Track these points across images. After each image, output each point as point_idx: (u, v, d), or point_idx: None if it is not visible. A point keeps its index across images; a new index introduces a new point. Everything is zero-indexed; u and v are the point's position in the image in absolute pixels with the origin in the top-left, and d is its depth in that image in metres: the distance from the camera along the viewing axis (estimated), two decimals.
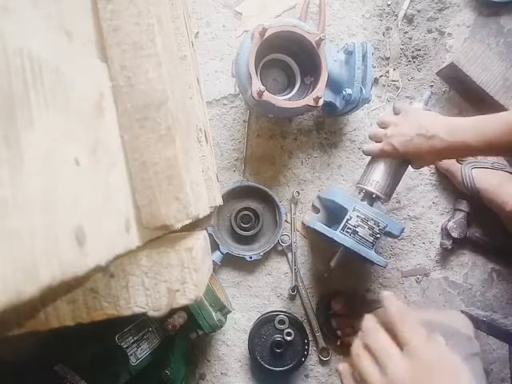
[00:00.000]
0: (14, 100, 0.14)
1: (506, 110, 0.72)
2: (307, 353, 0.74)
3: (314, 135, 0.80)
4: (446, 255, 0.80)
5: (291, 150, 0.79)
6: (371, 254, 0.64)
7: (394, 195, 0.69)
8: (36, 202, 0.14)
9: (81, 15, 0.23)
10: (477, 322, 0.75)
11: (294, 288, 0.78)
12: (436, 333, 0.36)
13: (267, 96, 0.61)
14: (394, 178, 0.65)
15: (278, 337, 0.73)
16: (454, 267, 0.81)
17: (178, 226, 0.31)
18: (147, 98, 0.24)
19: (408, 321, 0.37)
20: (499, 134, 0.51)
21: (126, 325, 0.57)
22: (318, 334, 0.78)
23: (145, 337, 0.59)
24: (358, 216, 0.63)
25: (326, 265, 0.71)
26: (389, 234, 0.67)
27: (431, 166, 0.78)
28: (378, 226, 0.64)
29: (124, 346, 0.55)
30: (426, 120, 0.58)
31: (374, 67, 0.78)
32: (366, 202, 0.66)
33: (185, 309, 0.62)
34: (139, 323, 0.59)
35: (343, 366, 0.40)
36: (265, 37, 0.61)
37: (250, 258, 0.75)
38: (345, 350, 0.77)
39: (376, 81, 0.80)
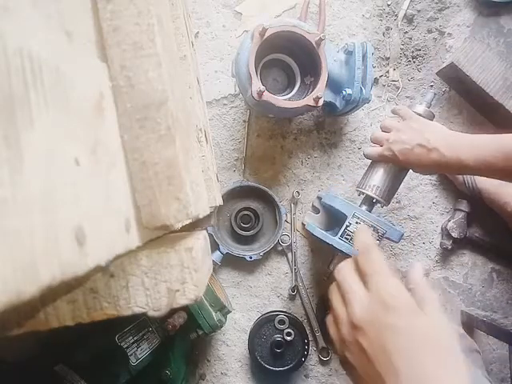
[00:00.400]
0: (14, 100, 0.14)
1: (506, 110, 0.72)
2: (307, 353, 0.74)
3: (314, 135, 0.80)
4: (446, 255, 0.80)
5: (291, 150, 0.79)
6: None
7: (394, 196, 0.69)
8: (36, 202, 0.14)
9: (81, 15, 0.23)
10: (477, 322, 0.76)
11: (294, 288, 0.78)
12: (398, 273, 0.37)
13: (267, 96, 0.61)
14: (394, 182, 0.65)
15: (278, 337, 0.73)
16: (454, 267, 0.81)
17: (178, 226, 0.31)
18: (147, 98, 0.24)
19: (371, 256, 0.38)
20: (495, 158, 0.51)
21: (125, 325, 0.57)
22: (318, 334, 0.78)
23: (145, 337, 0.59)
24: (357, 222, 0.63)
25: (326, 265, 0.71)
26: (388, 240, 0.67)
27: None
28: (378, 233, 0.64)
29: (124, 346, 0.55)
30: (429, 132, 0.58)
31: (374, 67, 0.78)
32: (365, 207, 0.66)
33: (185, 309, 0.62)
34: (139, 323, 0.59)
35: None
36: (265, 37, 0.61)
37: (250, 257, 0.75)
38: None
39: (376, 81, 0.80)
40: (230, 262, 0.78)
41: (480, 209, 0.79)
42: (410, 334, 0.34)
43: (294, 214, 0.79)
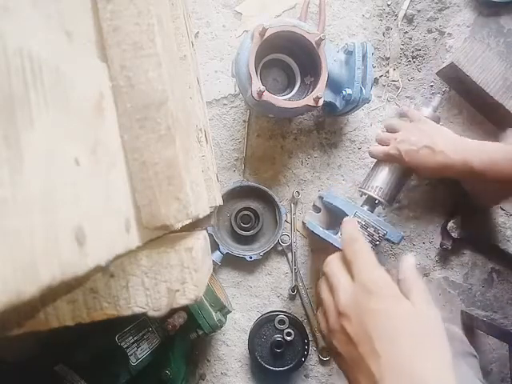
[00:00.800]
0: (14, 100, 0.14)
1: (506, 110, 0.72)
2: (307, 353, 0.74)
3: (314, 135, 0.80)
4: (445, 255, 0.80)
5: (291, 150, 0.79)
6: None
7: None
8: (36, 201, 0.14)
9: (81, 15, 0.23)
10: (477, 322, 0.76)
11: (294, 288, 0.78)
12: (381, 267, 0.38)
13: (267, 96, 0.61)
14: (397, 184, 0.65)
15: (278, 337, 0.73)
16: (454, 267, 0.81)
17: (178, 226, 0.31)
18: (147, 98, 0.24)
19: (355, 246, 0.40)
20: (503, 163, 0.52)
21: (125, 325, 0.57)
22: (318, 334, 0.78)
23: (145, 337, 0.59)
24: (358, 222, 0.63)
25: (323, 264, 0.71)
26: (388, 241, 0.67)
27: None
28: (378, 233, 0.64)
29: (124, 346, 0.55)
30: (438, 135, 0.58)
31: (374, 67, 0.78)
32: (366, 207, 0.66)
33: (185, 309, 0.62)
34: (139, 323, 0.59)
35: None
36: (265, 37, 0.61)
37: (250, 257, 0.75)
38: None
39: (376, 81, 0.80)
40: (230, 262, 0.78)
41: (480, 209, 0.79)
42: (390, 317, 0.34)
43: (294, 213, 0.79)
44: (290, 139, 0.79)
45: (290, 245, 0.78)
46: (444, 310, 0.80)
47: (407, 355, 0.32)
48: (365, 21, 0.79)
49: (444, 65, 0.77)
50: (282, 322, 0.73)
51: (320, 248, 0.78)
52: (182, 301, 0.26)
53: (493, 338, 0.76)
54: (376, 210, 0.67)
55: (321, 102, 0.63)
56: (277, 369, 0.73)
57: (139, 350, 0.57)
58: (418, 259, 0.80)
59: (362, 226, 0.63)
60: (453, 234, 0.77)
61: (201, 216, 0.31)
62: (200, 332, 0.64)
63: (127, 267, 0.26)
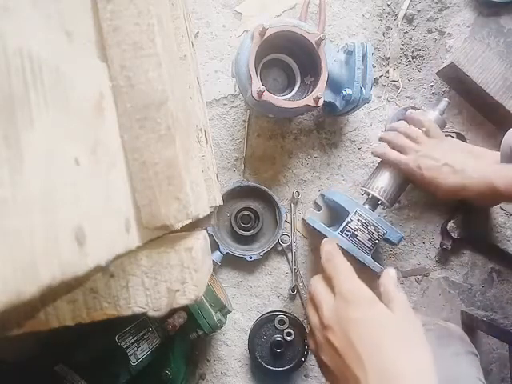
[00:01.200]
0: (14, 100, 0.14)
1: (506, 110, 0.72)
2: (307, 353, 0.74)
3: (314, 135, 0.80)
4: (445, 255, 0.80)
5: (291, 150, 0.79)
6: (367, 259, 0.64)
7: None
8: (36, 201, 0.14)
9: (81, 15, 0.23)
10: (477, 322, 0.76)
11: (294, 288, 0.78)
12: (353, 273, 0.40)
13: (267, 96, 0.61)
14: (401, 186, 0.65)
15: (277, 337, 0.73)
16: (454, 267, 0.81)
17: (178, 226, 0.31)
18: (147, 98, 0.24)
19: (334, 262, 0.42)
20: None
21: (126, 325, 0.57)
22: None
23: (145, 337, 0.59)
24: (358, 220, 0.63)
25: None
26: (387, 241, 0.68)
27: None
28: (378, 232, 0.64)
29: (124, 346, 0.55)
30: (460, 153, 0.57)
31: (374, 67, 0.78)
32: (368, 207, 0.66)
33: (185, 309, 0.62)
34: (139, 323, 0.59)
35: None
36: (265, 37, 0.61)
37: (250, 257, 0.75)
38: None
39: (376, 81, 0.80)
40: (230, 261, 0.78)
41: (480, 209, 0.79)
42: (368, 322, 0.36)
43: (294, 213, 0.79)
44: (289, 139, 0.79)
45: (290, 245, 0.78)
46: (444, 310, 0.80)
47: (390, 358, 0.33)
48: (365, 21, 0.79)
49: (444, 65, 0.77)
50: (281, 322, 0.73)
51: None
52: (182, 301, 0.26)
53: (493, 337, 0.76)
54: (376, 210, 0.68)
55: (321, 102, 0.63)
56: (277, 369, 0.73)
57: (139, 350, 0.57)
58: (418, 259, 0.80)
59: (362, 224, 0.63)
60: (453, 234, 0.77)
61: (201, 216, 0.31)
62: (200, 332, 0.64)
63: (127, 267, 0.26)
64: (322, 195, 0.75)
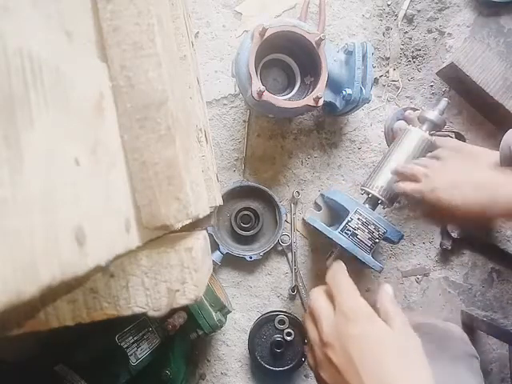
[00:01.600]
0: (14, 100, 0.14)
1: (506, 110, 0.72)
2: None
3: (314, 135, 0.80)
4: (446, 255, 0.80)
5: (291, 150, 0.79)
6: (367, 258, 0.64)
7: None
8: (36, 201, 0.14)
9: (81, 15, 0.23)
10: (477, 322, 0.76)
11: (294, 288, 0.78)
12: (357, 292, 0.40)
13: (267, 96, 0.61)
14: None
15: (277, 337, 0.73)
16: (454, 267, 0.81)
17: (178, 226, 0.31)
18: (147, 98, 0.24)
19: (337, 279, 0.42)
20: None
21: (126, 325, 0.57)
22: None
23: (145, 337, 0.59)
24: (359, 219, 0.63)
25: (323, 264, 0.71)
26: (387, 240, 0.67)
27: None
28: (378, 231, 0.64)
29: (124, 346, 0.55)
30: (474, 166, 0.51)
31: (374, 67, 0.78)
32: (368, 206, 0.66)
33: (185, 309, 0.62)
34: (139, 323, 0.59)
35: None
36: (265, 37, 0.61)
37: (250, 257, 0.75)
38: None
39: (376, 81, 0.80)
40: (230, 261, 0.78)
41: None
42: (368, 339, 0.36)
43: (294, 213, 0.79)
44: (289, 139, 0.79)
45: (290, 245, 0.78)
46: (444, 310, 0.80)
47: (389, 374, 0.34)
48: (365, 21, 0.79)
49: (444, 65, 0.77)
50: (281, 322, 0.73)
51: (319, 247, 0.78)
52: (182, 301, 0.26)
53: (493, 337, 0.76)
54: (376, 209, 0.67)
55: (321, 102, 0.63)
56: (277, 369, 0.73)
57: (139, 350, 0.57)
58: (418, 259, 0.80)
59: (362, 223, 0.63)
60: (453, 234, 0.77)
61: (201, 216, 0.31)
62: (200, 332, 0.64)
63: (127, 267, 0.26)
64: (322, 195, 0.75)
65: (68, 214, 0.17)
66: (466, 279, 0.81)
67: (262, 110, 0.68)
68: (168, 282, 0.26)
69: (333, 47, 0.69)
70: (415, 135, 0.65)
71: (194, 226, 0.45)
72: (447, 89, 0.80)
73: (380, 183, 0.64)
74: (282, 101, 0.63)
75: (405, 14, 0.79)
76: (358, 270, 0.80)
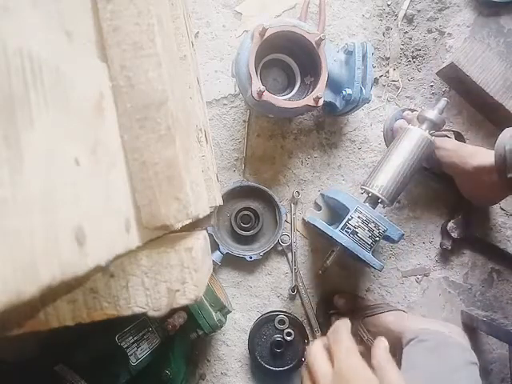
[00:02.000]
0: (14, 100, 0.14)
1: (506, 110, 0.73)
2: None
3: (314, 135, 0.80)
4: (446, 255, 0.80)
5: (291, 150, 0.79)
6: (368, 256, 0.64)
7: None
8: (36, 201, 0.14)
9: (81, 15, 0.23)
10: (477, 322, 0.76)
11: (294, 288, 0.78)
12: (356, 348, 0.39)
13: (267, 96, 0.61)
14: (401, 185, 0.65)
15: (277, 337, 0.73)
16: (454, 267, 0.81)
17: (178, 226, 0.31)
18: (147, 98, 0.24)
19: (338, 337, 0.41)
20: None
21: (126, 325, 0.57)
22: (318, 334, 0.78)
23: (145, 337, 0.59)
24: (359, 217, 0.63)
25: (323, 263, 0.71)
26: (387, 239, 0.67)
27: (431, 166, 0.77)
28: (378, 230, 0.64)
29: (124, 346, 0.55)
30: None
31: (374, 67, 0.78)
32: (368, 205, 0.66)
33: (185, 309, 0.62)
34: (139, 323, 0.59)
35: None
36: (265, 37, 0.61)
37: (250, 257, 0.75)
38: None
39: (376, 81, 0.80)
40: (230, 261, 0.78)
41: (480, 209, 0.79)
42: None
43: (294, 213, 0.79)
44: (290, 139, 0.79)
45: (290, 245, 0.78)
46: (444, 310, 0.80)
47: None
48: (365, 21, 0.79)
49: (444, 65, 0.77)
50: (281, 322, 0.73)
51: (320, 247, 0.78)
52: (182, 301, 0.26)
53: (493, 337, 0.76)
54: (376, 208, 0.67)
55: (321, 102, 0.63)
56: (277, 369, 0.73)
57: (139, 350, 0.57)
58: (418, 259, 0.80)
59: (362, 222, 0.63)
60: (453, 234, 0.77)
61: (201, 216, 0.31)
62: (200, 332, 0.64)
63: (127, 267, 0.26)
64: (322, 195, 0.75)
65: (68, 213, 0.17)
66: (465, 279, 0.81)
67: (262, 109, 0.68)
68: (168, 282, 0.26)
69: (333, 47, 0.69)
70: (415, 134, 0.65)
71: (194, 225, 0.45)
72: (447, 89, 0.80)
73: (380, 182, 0.64)
74: (282, 101, 0.63)
75: (405, 14, 0.79)
76: (358, 270, 0.80)
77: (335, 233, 0.63)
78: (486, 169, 0.63)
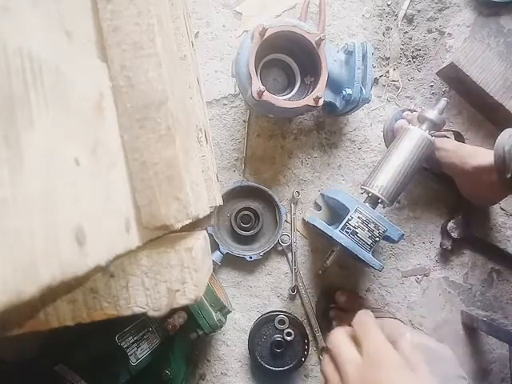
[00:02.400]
0: (14, 100, 0.14)
1: (506, 110, 0.72)
2: (307, 353, 0.74)
3: (314, 135, 0.80)
4: (446, 255, 0.80)
5: (291, 150, 0.79)
6: (367, 257, 0.64)
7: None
8: (36, 201, 0.14)
9: (81, 15, 0.23)
10: (477, 322, 0.76)
11: (294, 288, 0.78)
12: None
13: (267, 96, 0.61)
14: (401, 185, 0.65)
15: (277, 337, 0.73)
16: (454, 267, 0.81)
17: (178, 226, 0.31)
18: (147, 98, 0.24)
19: (366, 324, 0.40)
20: None
21: (126, 325, 0.57)
22: (318, 334, 0.78)
23: (145, 337, 0.59)
24: (359, 217, 0.63)
25: (323, 263, 0.71)
26: (387, 239, 0.67)
27: (431, 166, 0.77)
28: (378, 230, 0.64)
29: (124, 346, 0.55)
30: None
31: (374, 67, 0.78)
32: (368, 205, 0.66)
33: (185, 309, 0.62)
34: (139, 323, 0.59)
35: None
36: (265, 37, 0.61)
37: (250, 257, 0.75)
38: None
39: (376, 81, 0.80)
40: (230, 262, 0.78)
41: (480, 209, 0.79)
42: None
43: (294, 213, 0.79)
44: (290, 139, 0.79)
45: (290, 245, 0.78)
46: (444, 310, 0.80)
47: None
48: (365, 21, 0.79)
49: (444, 65, 0.77)
50: (281, 322, 0.73)
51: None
52: (182, 301, 0.26)
53: (493, 337, 0.76)
54: (376, 208, 0.67)
55: (321, 102, 0.63)
56: (277, 369, 0.73)
57: (139, 350, 0.57)
58: (418, 259, 0.80)
59: (362, 222, 0.63)
60: (453, 234, 0.77)
61: (201, 216, 0.31)
62: (200, 332, 0.64)
63: (127, 267, 0.26)
64: (322, 195, 0.75)
65: (68, 213, 0.17)
66: (465, 279, 0.81)
67: (262, 109, 0.68)
68: (168, 282, 0.26)
69: (333, 47, 0.69)
70: (415, 134, 0.65)
71: (194, 225, 0.45)
72: (447, 89, 0.80)
73: (380, 182, 0.64)
74: (282, 101, 0.63)
75: (405, 14, 0.79)
76: (358, 270, 0.80)
77: (335, 233, 0.63)
78: (486, 169, 0.63)
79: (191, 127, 0.38)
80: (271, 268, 0.79)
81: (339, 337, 0.41)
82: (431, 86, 0.80)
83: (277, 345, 0.72)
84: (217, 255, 0.74)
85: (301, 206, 0.79)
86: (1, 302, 0.12)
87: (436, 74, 0.80)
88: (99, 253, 0.19)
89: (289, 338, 0.72)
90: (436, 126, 0.66)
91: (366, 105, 0.72)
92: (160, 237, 0.32)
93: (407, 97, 0.80)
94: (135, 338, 0.57)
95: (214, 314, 0.65)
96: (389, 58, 0.80)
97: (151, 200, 0.25)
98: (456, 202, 0.79)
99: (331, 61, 0.66)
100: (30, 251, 0.14)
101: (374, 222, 0.63)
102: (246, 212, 0.76)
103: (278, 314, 0.74)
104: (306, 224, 0.78)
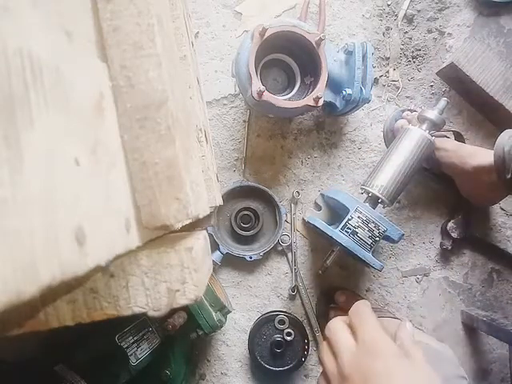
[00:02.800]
0: (14, 100, 0.14)
1: (506, 110, 0.72)
2: (307, 353, 0.74)
3: (314, 135, 0.80)
4: (446, 255, 0.80)
5: (291, 150, 0.79)
6: (367, 256, 0.64)
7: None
8: (36, 201, 0.14)
9: (81, 15, 0.23)
10: (477, 322, 0.76)
11: (294, 288, 0.78)
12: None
13: (267, 96, 0.61)
14: (401, 185, 0.65)
15: (277, 337, 0.73)
16: (454, 267, 0.81)
17: (178, 226, 0.31)
18: (147, 98, 0.24)
19: (362, 312, 0.40)
20: None
21: (126, 325, 0.57)
22: (318, 334, 0.78)
23: (145, 337, 0.59)
24: (359, 217, 0.63)
25: (323, 263, 0.71)
26: (387, 239, 0.67)
27: (431, 166, 0.77)
28: (378, 230, 0.64)
29: (124, 346, 0.55)
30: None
31: (374, 67, 0.78)
32: (368, 205, 0.66)
33: (185, 309, 0.62)
34: (139, 323, 0.59)
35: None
36: (265, 37, 0.61)
37: (250, 257, 0.75)
38: None
39: (376, 81, 0.80)
40: (230, 262, 0.78)
41: (480, 209, 0.79)
42: (392, 375, 0.35)
43: (294, 213, 0.79)
44: (290, 139, 0.79)
45: (290, 245, 0.78)
46: (444, 310, 0.80)
47: None
48: (365, 21, 0.79)
49: (444, 65, 0.77)
50: (281, 322, 0.73)
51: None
52: (182, 301, 0.26)
53: (493, 337, 0.76)
54: (376, 208, 0.67)
55: (321, 102, 0.63)
56: (277, 369, 0.73)
57: (139, 350, 0.57)
58: (418, 259, 0.80)
59: (362, 222, 0.63)
60: (453, 234, 0.77)
61: (201, 216, 0.31)
62: (200, 332, 0.64)
63: (127, 267, 0.26)
64: (322, 195, 0.75)
65: (68, 213, 0.17)
66: (465, 279, 0.81)
67: (262, 109, 0.68)
68: (168, 282, 0.26)
69: (333, 47, 0.69)
70: (415, 134, 0.65)
71: (194, 225, 0.45)
72: (447, 89, 0.80)
73: (380, 182, 0.64)
74: (282, 101, 0.63)
75: (405, 14, 0.79)
76: (358, 270, 0.80)
77: (335, 233, 0.63)
78: (486, 169, 0.63)
79: (191, 127, 0.38)
80: (271, 268, 0.79)
81: (337, 325, 0.42)
82: (431, 85, 0.80)
83: (277, 345, 0.72)
84: (217, 255, 0.74)
85: (301, 206, 0.79)
86: (1, 302, 0.12)
87: (436, 74, 0.80)
88: (99, 253, 0.19)
89: (289, 338, 0.72)
90: (436, 126, 0.66)
91: (366, 105, 0.72)
92: (160, 237, 0.32)
93: (407, 97, 0.80)
94: (135, 338, 0.57)
95: (213, 313, 0.65)
96: (389, 58, 0.80)
97: (151, 200, 0.25)
98: (456, 202, 0.79)
99: (331, 61, 0.66)
100: (30, 251, 0.14)
101: (374, 222, 0.63)
102: (245, 212, 0.76)
103: (278, 314, 0.74)
104: (306, 224, 0.78)
